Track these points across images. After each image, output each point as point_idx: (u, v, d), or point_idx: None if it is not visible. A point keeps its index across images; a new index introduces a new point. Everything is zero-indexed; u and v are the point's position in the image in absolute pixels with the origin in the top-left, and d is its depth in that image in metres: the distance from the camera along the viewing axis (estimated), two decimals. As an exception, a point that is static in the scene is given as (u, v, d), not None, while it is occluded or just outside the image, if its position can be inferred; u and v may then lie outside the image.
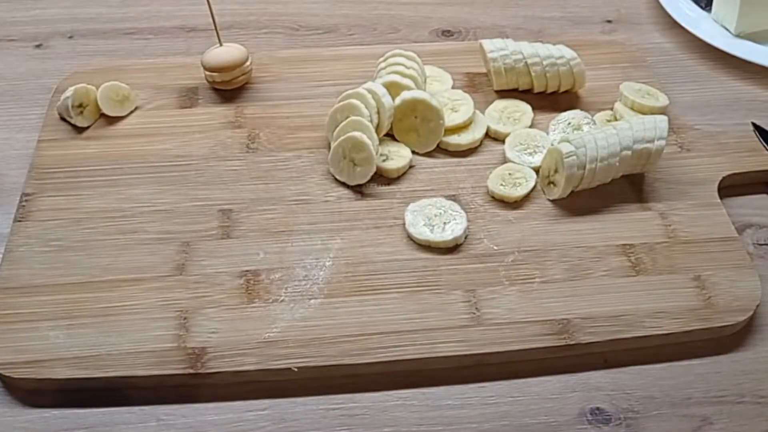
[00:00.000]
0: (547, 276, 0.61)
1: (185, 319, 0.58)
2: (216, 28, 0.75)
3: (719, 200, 0.67)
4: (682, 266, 0.62)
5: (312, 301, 0.59)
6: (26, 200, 0.66)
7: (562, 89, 0.75)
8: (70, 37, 0.86)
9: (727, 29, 0.84)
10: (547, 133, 0.71)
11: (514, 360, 0.57)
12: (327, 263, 0.62)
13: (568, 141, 0.65)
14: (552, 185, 0.67)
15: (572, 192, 0.66)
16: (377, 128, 0.69)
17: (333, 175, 0.68)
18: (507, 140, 0.71)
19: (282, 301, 0.59)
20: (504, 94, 0.76)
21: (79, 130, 0.72)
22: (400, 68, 0.72)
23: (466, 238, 0.64)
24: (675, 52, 0.84)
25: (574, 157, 0.64)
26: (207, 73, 0.76)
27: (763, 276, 0.62)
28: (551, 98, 0.76)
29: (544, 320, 0.58)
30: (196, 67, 0.77)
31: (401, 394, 0.56)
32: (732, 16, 0.83)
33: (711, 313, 0.59)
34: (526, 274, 0.61)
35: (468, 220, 0.64)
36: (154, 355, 0.56)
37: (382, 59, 0.75)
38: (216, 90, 0.77)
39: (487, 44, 0.76)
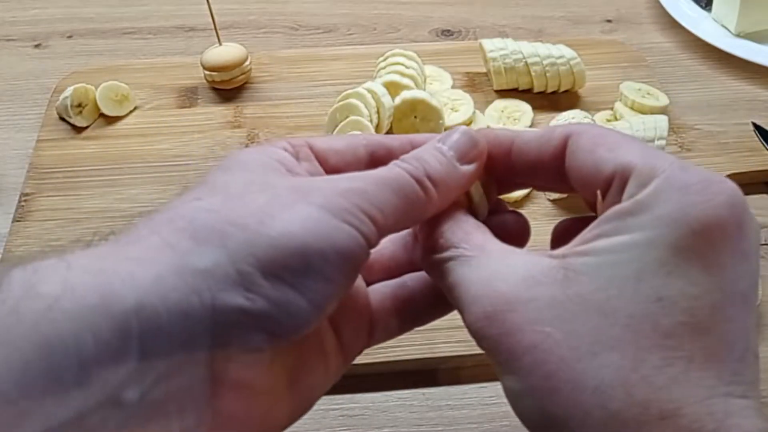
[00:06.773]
0: (548, 276, 0.61)
1: (184, 319, 0.58)
2: (215, 28, 0.75)
3: (719, 200, 0.67)
4: (683, 266, 0.62)
5: (312, 301, 0.59)
6: (25, 200, 0.66)
7: (562, 89, 0.75)
8: (69, 37, 0.86)
9: (727, 29, 0.84)
10: (547, 133, 0.71)
11: (514, 360, 0.57)
12: (327, 263, 0.62)
13: (568, 141, 0.65)
14: (552, 185, 0.66)
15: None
16: (377, 128, 0.68)
17: (333, 175, 0.68)
18: (507, 140, 0.70)
19: (281, 301, 0.59)
20: (504, 93, 0.76)
21: (78, 129, 0.72)
22: (400, 68, 0.72)
23: (466, 238, 0.63)
24: (675, 52, 0.84)
25: (574, 157, 0.64)
26: (206, 72, 0.76)
27: (764, 276, 0.62)
28: (551, 98, 0.76)
29: (545, 320, 0.58)
30: (195, 67, 0.77)
31: (401, 394, 0.56)
32: (732, 15, 0.83)
33: (711, 313, 0.59)
34: (526, 274, 0.61)
35: (468, 220, 0.64)
36: (154, 356, 0.56)
37: (381, 59, 0.75)
38: (215, 90, 0.77)
39: (487, 44, 0.75)
